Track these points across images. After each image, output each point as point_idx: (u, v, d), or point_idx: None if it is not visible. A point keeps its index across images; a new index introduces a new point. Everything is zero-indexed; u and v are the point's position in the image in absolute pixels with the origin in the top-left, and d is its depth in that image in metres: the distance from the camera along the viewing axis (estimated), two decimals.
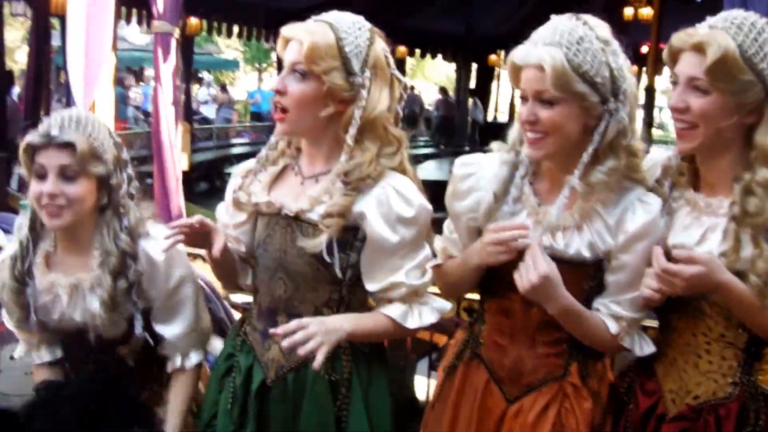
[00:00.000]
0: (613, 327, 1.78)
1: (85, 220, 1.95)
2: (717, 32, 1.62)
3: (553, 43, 1.63)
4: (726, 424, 1.72)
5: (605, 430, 1.87)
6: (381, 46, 1.80)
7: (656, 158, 1.88)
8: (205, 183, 10.52)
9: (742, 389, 1.74)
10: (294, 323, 1.66)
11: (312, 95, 1.74)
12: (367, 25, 1.79)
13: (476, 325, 1.98)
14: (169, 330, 2.04)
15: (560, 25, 1.66)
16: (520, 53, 1.68)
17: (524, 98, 1.70)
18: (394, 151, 1.81)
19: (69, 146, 1.86)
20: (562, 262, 1.73)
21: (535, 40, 1.67)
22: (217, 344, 2.18)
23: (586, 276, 1.78)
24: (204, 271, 2.95)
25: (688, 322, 1.78)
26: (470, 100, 17.64)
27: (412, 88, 21.79)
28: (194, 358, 2.09)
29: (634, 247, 1.72)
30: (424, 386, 3.26)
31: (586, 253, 1.75)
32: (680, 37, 1.67)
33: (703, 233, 1.72)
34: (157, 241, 1.93)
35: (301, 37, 1.72)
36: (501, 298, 1.88)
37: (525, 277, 1.67)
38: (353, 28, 1.75)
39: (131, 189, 2.01)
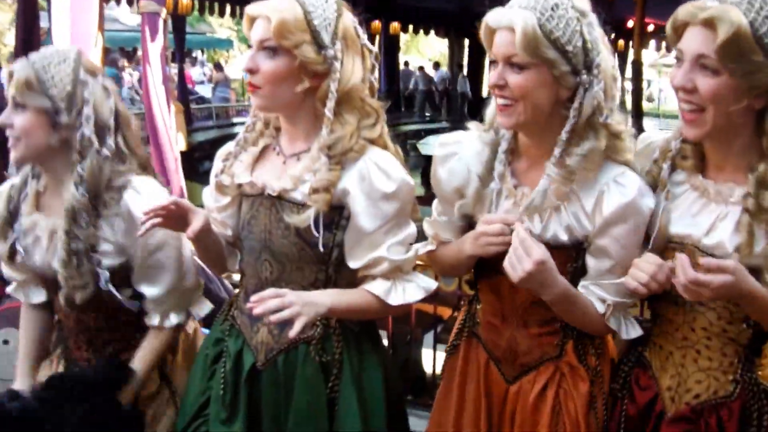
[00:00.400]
0: (600, 307, 1.76)
1: (48, 159, 1.93)
2: (729, 7, 1.50)
3: (527, 7, 1.61)
4: (728, 426, 1.67)
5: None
6: (349, 17, 1.79)
7: (652, 138, 1.82)
8: (209, 162, 10.46)
9: (744, 387, 1.67)
10: (270, 291, 1.63)
11: (285, 71, 1.72)
12: None
13: (473, 303, 1.98)
14: (149, 290, 2.00)
15: None
16: (493, 16, 1.65)
17: (495, 62, 1.67)
18: (374, 123, 1.80)
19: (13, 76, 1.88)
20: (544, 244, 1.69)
21: (511, 4, 1.65)
22: (207, 306, 2.14)
23: (568, 258, 1.75)
24: None
25: (686, 316, 1.72)
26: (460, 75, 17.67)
27: (407, 63, 21.73)
28: (174, 319, 2.05)
29: (611, 231, 1.69)
30: (430, 359, 3.27)
31: (564, 237, 1.72)
32: (688, 10, 1.55)
33: (712, 222, 1.64)
34: (141, 196, 1.92)
35: (267, 13, 1.70)
36: (489, 278, 1.87)
37: (518, 266, 1.62)
38: (320, 1, 1.73)
39: (98, 137, 1.92)
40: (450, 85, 19.24)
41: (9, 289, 2.23)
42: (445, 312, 3.34)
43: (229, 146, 1.94)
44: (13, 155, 1.92)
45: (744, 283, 1.51)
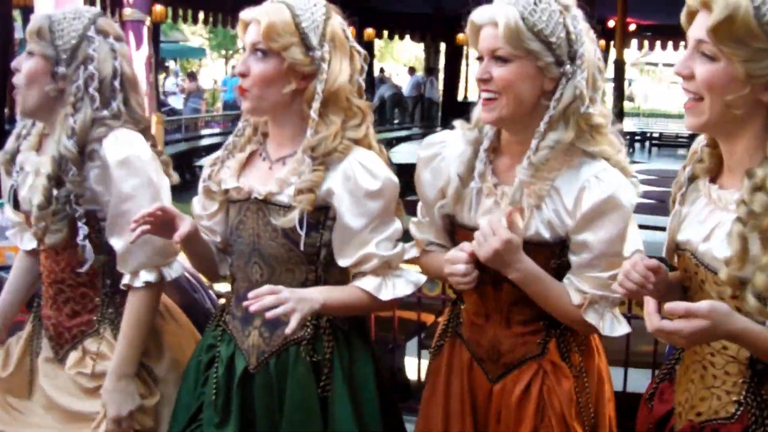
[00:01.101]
0: (576, 298, 1.75)
1: (46, 108, 1.99)
2: None
3: (510, 3, 1.65)
4: None
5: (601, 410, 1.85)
6: (338, 20, 1.83)
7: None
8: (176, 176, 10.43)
9: (747, 410, 1.54)
10: (265, 288, 1.65)
11: (274, 72, 1.76)
12: (322, 1, 1.82)
13: (457, 304, 1.99)
14: (118, 243, 1.97)
15: None
16: (478, 12, 1.70)
17: (480, 58, 1.70)
18: (359, 123, 1.83)
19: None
20: (524, 242, 1.71)
21: (496, 2, 1.69)
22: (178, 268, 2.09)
23: (551, 255, 1.76)
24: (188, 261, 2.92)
25: None
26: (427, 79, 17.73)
27: (382, 70, 21.77)
28: (143, 276, 2.00)
29: (590, 225, 1.69)
30: (414, 367, 3.28)
31: (545, 233, 1.73)
32: None
33: (710, 230, 1.55)
34: (118, 141, 1.93)
35: (258, 17, 1.75)
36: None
37: (485, 244, 1.66)
38: (308, 5, 1.78)
39: (99, 94, 1.96)
40: (423, 91, 19.28)
41: (8, 233, 2.26)
42: (429, 318, 3.36)
43: (218, 153, 1.96)
44: (18, 105, 2.00)
45: (726, 327, 1.38)
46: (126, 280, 2.00)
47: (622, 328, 1.80)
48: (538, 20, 1.63)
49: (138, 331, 2.01)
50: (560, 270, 1.78)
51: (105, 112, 1.95)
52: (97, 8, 2.06)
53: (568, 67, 1.67)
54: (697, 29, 1.45)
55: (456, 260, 1.73)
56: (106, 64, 1.97)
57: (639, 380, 2.87)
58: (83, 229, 1.97)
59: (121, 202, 1.93)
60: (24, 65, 1.97)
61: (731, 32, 1.39)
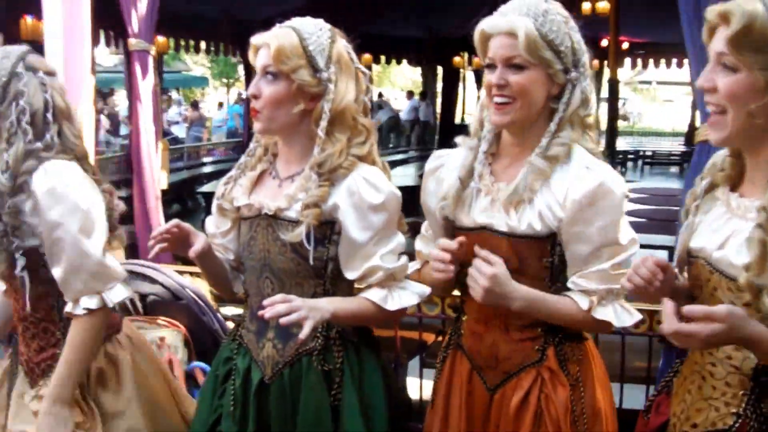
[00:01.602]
0: (584, 303, 1.81)
1: None
2: (747, 1, 1.45)
3: (522, 14, 1.76)
4: None
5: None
6: (342, 43, 1.94)
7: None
8: (178, 204, 10.48)
9: (745, 423, 1.53)
10: (279, 296, 1.73)
11: (283, 93, 1.86)
12: (328, 26, 1.93)
13: (459, 318, 2.05)
14: (55, 272, 2.00)
15: (526, 1, 1.79)
16: (490, 22, 1.79)
17: (491, 66, 1.80)
18: (363, 141, 1.92)
19: None
20: (516, 236, 1.80)
21: (503, 12, 1.79)
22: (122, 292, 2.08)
23: (543, 251, 1.82)
24: (197, 285, 3.01)
25: None
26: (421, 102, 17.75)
27: (380, 95, 21.89)
28: (84, 303, 2.01)
29: (583, 216, 1.75)
30: (416, 386, 3.30)
31: (538, 226, 1.79)
32: (712, 10, 1.51)
33: (726, 238, 1.56)
34: (47, 173, 1.96)
35: (268, 41, 1.86)
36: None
37: (477, 286, 1.75)
38: (315, 29, 1.89)
39: (29, 127, 1.97)
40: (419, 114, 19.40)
41: None
42: (429, 338, 3.40)
43: (230, 172, 2.06)
44: None
45: (741, 331, 1.38)
46: (68, 308, 2.03)
47: (633, 317, 1.86)
48: (550, 30, 1.75)
49: (78, 356, 2.03)
50: (554, 269, 1.84)
51: (38, 144, 1.98)
52: (25, 46, 2.10)
53: (573, 73, 1.79)
54: (718, 43, 1.49)
55: (444, 247, 1.82)
56: (36, 98, 2.01)
57: (634, 396, 2.91)
58: (21, 261, 1.99)
59: (51, 230, 1.96)
60: None
61: (750, 41, 1.43)
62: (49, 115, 2.03)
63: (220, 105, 22.06)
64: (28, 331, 2.13)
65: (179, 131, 17.66)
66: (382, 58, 16.29)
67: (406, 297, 1.94)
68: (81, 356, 2.04)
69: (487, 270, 1.74)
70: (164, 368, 2.37)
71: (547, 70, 1.77)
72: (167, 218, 2.32)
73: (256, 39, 1.90)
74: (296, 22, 1.91)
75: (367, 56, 15.35)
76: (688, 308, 1.39)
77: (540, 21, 1.75)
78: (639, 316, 1.88)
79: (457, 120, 18.02)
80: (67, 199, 1.96)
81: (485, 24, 1.80)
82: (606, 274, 1.79)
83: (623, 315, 1.86)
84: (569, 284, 1.84)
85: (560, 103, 1.80)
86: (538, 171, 1.78)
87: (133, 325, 2.36)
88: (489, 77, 1.80)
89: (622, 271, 1.76)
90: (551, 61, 1.76)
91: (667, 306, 1.42)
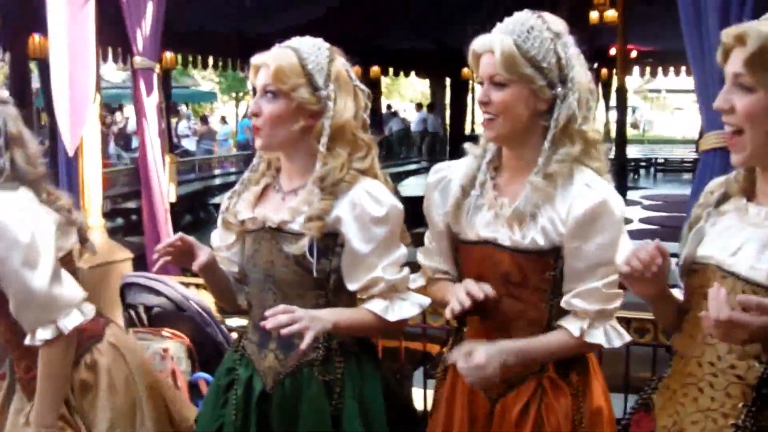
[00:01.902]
0: (575, 330, 1.81)
1: None
2: (762, 23, 1.48)
3: (505, 32, 1.78)
4: None
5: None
6: (341, 61, 1.96)
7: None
8: (190, 215, 10.57)
9: None
10: (281, 307, 1.75)
11: (283, 112, 1.89)
12: (326, 45, 1.96)
13: (461, 328, 2.06)
14: (10, 306, 2.02)
15: (516, 17, 1.81)
16: (478, 41, 1.82)
17: (481, 83, 1.83)
18: (364, 155, 1.95)
19: None
20: (520, 251, 1.81)
21: (494, 30, 1.82)
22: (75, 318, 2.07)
23: (547, 265, 1.82)
24: (202, 296, 3.03)
25: (697, 349, 1.61)
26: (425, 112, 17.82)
27: (389, 107, 22.00)
28: (40, 334, 2.02)
29: (582, 232, 1.76)
30: (420, 397, 3.27)
31: (541, 241, 1.79)
32: (727, 33, 1.52)
33: (740, 244, 1.57)
34: None
35: (267, 62, 1.89)
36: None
37: (470, 376, 1.75)
38: (313, 49, 1.92)
39: None
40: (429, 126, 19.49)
41: None
42: (434, 349, 3.40)
43: (234, 187, 2.09)
44: None
45: None
46: (27, 340, 2.04)
47: (623, 338, 1.86)
48: (531, 47, 1.76)
49: (49, 385, 2.06)
50: (555, 282, 1.83)
51: None
52: None
53: (559, 89, 1.79)
54: (734, 64, 1.49)
55: (471, 293, 1.80)
56: None
57: None
58: None
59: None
60: None
61: (765, 62, 1.44)
62: (1, 142, 2.05)
63: (224, 120, 22.24)
64: (15, 352, 2.17)
65: (189, 144, 17.81)
66: (391, 70, 16.39)
67: (406, 308, 1.95)
68: (53, 384, 2.07)
69: (473, 361, 1.73)
70: (156, 376, 2.38)
71: (530, 86, 1.77)
72: (179, 229, 2.33)
73: (255, 59, 1.94)
74: (295, 42, 1.94)
75: (375, 69, 15.45)
76: (741, 298, 1.37)
77: (523, 38, 1.76)
78: (628, 338, 1.89)
79: (467, 131, 18.06)
80: (7, 234, 1.96)
81: (475, 43, 1.83)
82: (599, 293, 1.79)
83: (613, 336, 1.85)
84: (563, 304, 1.84)
85: (552, 120, 1.80)
86: (540, 190, 1.79)
87: (120, 332, 2.37)
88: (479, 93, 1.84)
89: (615, 291, 1.79)
90: (533, 77, 1.76)
91: (720, 293, 1.38)
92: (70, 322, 2.05)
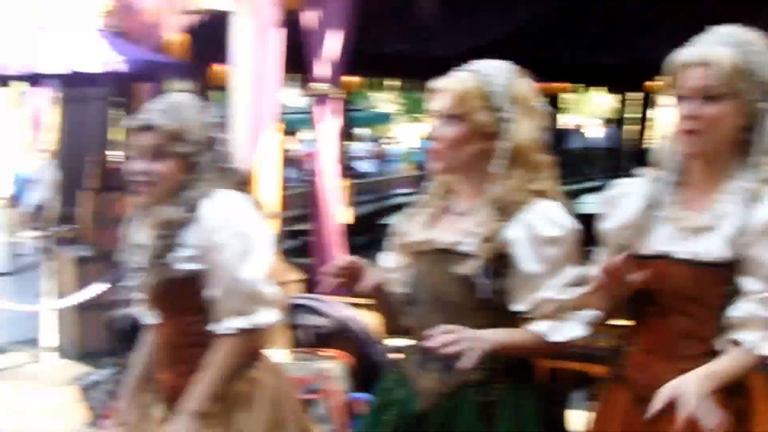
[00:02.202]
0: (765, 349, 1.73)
1: None
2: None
3: (722, 44, 1.74)
4: None
5: None
6: (522, 82, 1.96)
7: None
8: (363, 236, 10.83)
9: None
10: (443, 327, 1.78)
11: (462, 135, 1.91)
12: (507, 66, 1.96)
13: (620, 348, 2.02)
14: (211, 292, 2.13)
15: (726, 30, 1.78)
16: (687, 53, 1.77)
17: (684, 97, 1.77)
18: (542, 176, 1.94)
19: None
20: (696, 263, 1.77)
21: (702, 42, 1.78)
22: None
23: (725, 279, 1.76)
24: (363, 317, 3.09)
25: None
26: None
27: (574, 124, 21.48)
28: (234, 322, 2.11)
29: (764, 241, 1.72)
30: (580, 419, 3.20)
31: (722, 253, 1.75)
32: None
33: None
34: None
35: (446, 86, 1.92)
36: (639, 314, 1.93)
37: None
38: (494, 71, 1.93)
39: None
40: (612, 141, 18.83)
41: None
42: (591, 369, 3.26)
43: (407, 209, 2.14)
44: None
45: None
46: (212, 326, 2.13)
47: (570, 331, 1.88)
48: (751, 61, 1.73)
49: (216, 373, 2.13)
50: (730, 299, 1.76)
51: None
52: None
53: (764, 103, 1.74)
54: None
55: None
56: None
57: None
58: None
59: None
60: None
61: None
62: (223, 151, 2.21)
63: (398, 141, 22.66)
64: (174, 355, 2.22)
65: (365, 166, 18.33)
66: (573, 86, 15.98)
67: (571, 328, 1.91)
68: (218, 374, 2.13)
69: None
70: (297, 398, 2.44)
71: (742, 100, 1.73)
72: (353, 250, 2.41)
73: (435, 83, 1.97)
74: (474, 65, 1.96)
75: (556, 84, 15.15)
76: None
77: (741, 50, 1.73)
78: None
79: (645, 144, 17.24)
80: (233, 224, 2.09)
81: (682, 54, 1.78)
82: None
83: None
84: (738, 312, 1.75)
85: (752, 134, 1.75)
86: (748, 192, 1.74)
87: (271, 358, 2.43)
88: (682, 109, 1.78)
89: None
90: (747, 92, 1.73)
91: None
92: (266, 318, 2.15)
